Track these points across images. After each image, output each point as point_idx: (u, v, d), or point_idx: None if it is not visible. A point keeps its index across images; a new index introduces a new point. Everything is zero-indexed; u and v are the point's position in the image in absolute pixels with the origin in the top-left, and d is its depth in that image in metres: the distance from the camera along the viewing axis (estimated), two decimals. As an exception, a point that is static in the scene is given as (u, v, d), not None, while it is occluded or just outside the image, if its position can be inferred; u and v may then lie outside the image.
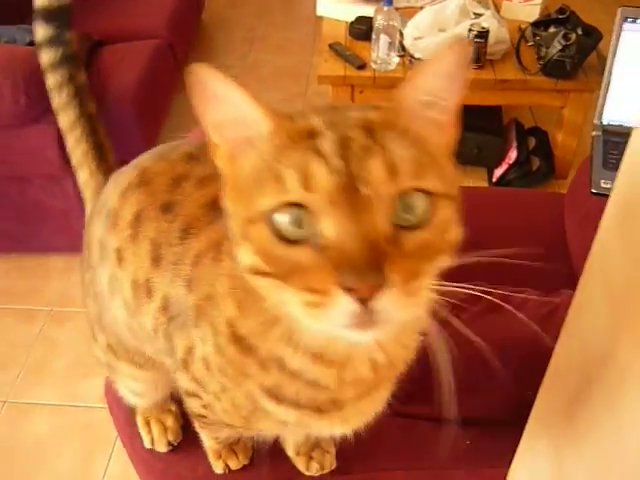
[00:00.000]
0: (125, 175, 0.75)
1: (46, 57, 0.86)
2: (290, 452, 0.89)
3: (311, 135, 0.46)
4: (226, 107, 0.48)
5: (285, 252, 0.45)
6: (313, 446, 0.86)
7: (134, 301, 0.72)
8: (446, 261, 0.47)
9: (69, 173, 1.88)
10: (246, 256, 0.47)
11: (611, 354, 0.47)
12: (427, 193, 0.46)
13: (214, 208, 0.61)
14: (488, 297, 0.89)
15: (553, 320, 0.80)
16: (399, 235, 0.45)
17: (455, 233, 0.48)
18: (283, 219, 0.45)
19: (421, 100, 0.48)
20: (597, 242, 0.49)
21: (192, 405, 0.75)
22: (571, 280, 1.32)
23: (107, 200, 0.76)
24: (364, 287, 0.42)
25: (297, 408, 0.60)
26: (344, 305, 0.42)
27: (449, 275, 1.32)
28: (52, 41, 0.85)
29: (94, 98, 0.91)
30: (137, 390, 0.91)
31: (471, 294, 0.90)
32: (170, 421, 0.93)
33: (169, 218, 0.67)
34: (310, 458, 0.87)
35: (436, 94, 0.48)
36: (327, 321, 0.44)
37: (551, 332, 0.80)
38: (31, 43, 1.98)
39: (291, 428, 0.68)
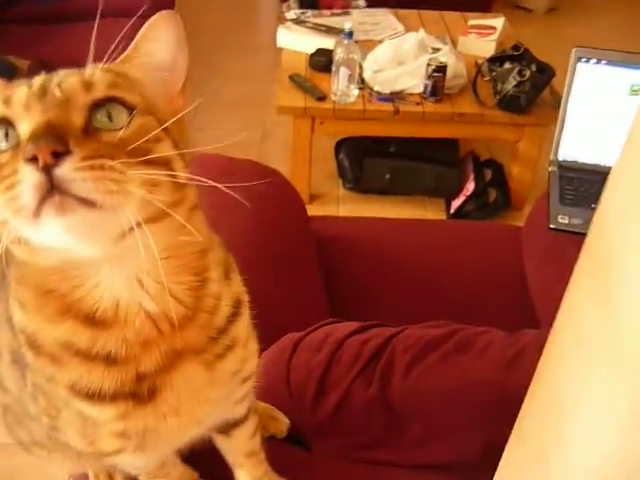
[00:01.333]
0: None
1: None
2: None
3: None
4: None
5: None
6: None
7: None
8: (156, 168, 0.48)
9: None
10: None
11: (583, 411, 0.46)
12: (124, 105, 0.50)
13: None
14: (455, 337, 0.90)
15: (519, 363, 0.80)
16: (94, 131, 0.47)
17: (164, 150, 0.50)
18: None
19: (143, 60, 0.55)
20: (569, 295, 0.49)
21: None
22: (530, 315, 1.35)
23: None
24: (43, 152, 0.42)
25: (112, 402, 0.57)
26: (27, 176, 0.42)
27: (414, 312, 1.32)
28: None
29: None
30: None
31: (440, 334, 0.90)
32: (119, 477, 0.89)
33: None
34: None
35: (155, 55, 0.56)
36: (18, 204, 0.43)
37: (517, 375, 0.80)
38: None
39: (141, 446, 0.63)
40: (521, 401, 0.58)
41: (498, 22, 2.65)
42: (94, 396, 0.56)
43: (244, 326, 0.65)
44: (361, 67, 2.28)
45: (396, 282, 1.38)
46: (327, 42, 2.46)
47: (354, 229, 1.57)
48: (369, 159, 2.46)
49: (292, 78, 2.31)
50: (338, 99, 2.21)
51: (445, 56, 2.27)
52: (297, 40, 2.53)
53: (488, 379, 0.80)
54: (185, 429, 0.63)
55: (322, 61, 2.37)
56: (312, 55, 2.42)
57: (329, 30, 2.55)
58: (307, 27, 2.58)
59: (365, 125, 2.27)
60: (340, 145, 2.59)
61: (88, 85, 0.49)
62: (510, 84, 2.16)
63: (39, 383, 0.60)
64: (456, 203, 2.41)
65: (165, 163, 0.49)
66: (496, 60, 2.34)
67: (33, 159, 0.42)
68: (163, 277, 0.52)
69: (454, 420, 0.80)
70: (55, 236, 0.45)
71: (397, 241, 1.50)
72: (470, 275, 1.42)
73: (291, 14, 2.73)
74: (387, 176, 2.43)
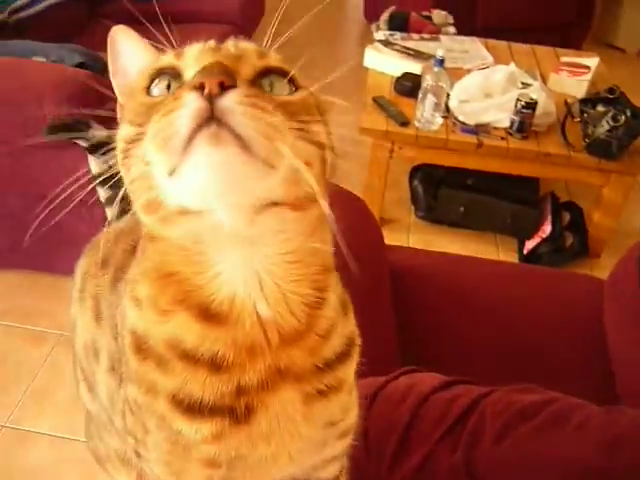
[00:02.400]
0: None
1: (108, 214, 0.93)
2: None
3: None
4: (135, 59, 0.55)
5: (153, 101, 0.48)
6: None
7: (89, 370, 0.69)
8: (307, 139, 0.47)
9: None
10: (121, 133, 0.50)
11: None
12: (291, 82, 0.50)
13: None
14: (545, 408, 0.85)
15: (622, 446, 0.74)
16: (259, 88, 0.47)
17: (318, 130, 0.49)
18: (157, 85, 0.49)
19: None
20: None
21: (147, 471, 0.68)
22: (606, 376, 1.27)
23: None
24: (211, 80, 0.42)
25: (209, 417, 0.54)
26: (189, 102, 0.42)
27: (485, 359, 1.26)
28: (109, 200, 0.92)
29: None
30: None
31: (533, 402, 0.85)
32: None
33: (105, 272, 0.67)
34: None
35: None
36: (171, 130, 0.42)
37: (620, 459, 0.74)
38: (79, 65, 1.97)
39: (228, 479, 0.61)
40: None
41: (592, 62, 2.56)
42: (193, 409, 0.54)
43: (352, 371, 0.61)
44: (447, 95, 2.23)
45: (469, 326, 1.33)
46: (414, 66, 2.43)
47: (429, 263, 1.52)
48: (445, 189, 2.40)
49: (376, 100, 2.29)
50: (421, 126, 2.17)
51: (535, 92, 2.20)
52: (384, 62, 2.50)
53: (586, 459, 0.74)
54: (274, 463, 0.60)
55: (408, 86, 2.34)
56: (398, 79, 2.38)
57: (417, 54, 2.51)
58: (395, 49, 2.55)
59: (446, 155, 2.21)
60: (415, 171, 2.55)
61: (262, 54, 0.50)
62: (602, 128, 2.07)
63: (134, 398, 0.58)
64: (530, 244, 2.33)
65: (318, 145, 0.48)
66: (588, 101, 2.26)
67: (199, 87, 0.41)
68: (283, 280, 0.51)
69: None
70: (200, 177, 0.42)
71: (473, 282, 1.45)
72: (547, 326, 1.36)
73: (380, 35, 2.71)
74: (461, 209, 2.37)
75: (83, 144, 0.91)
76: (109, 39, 0.55)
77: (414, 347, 1.26)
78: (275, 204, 0.45)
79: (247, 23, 3.07)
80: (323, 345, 0.56)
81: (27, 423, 1.73)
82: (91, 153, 0.91)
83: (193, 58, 0.47)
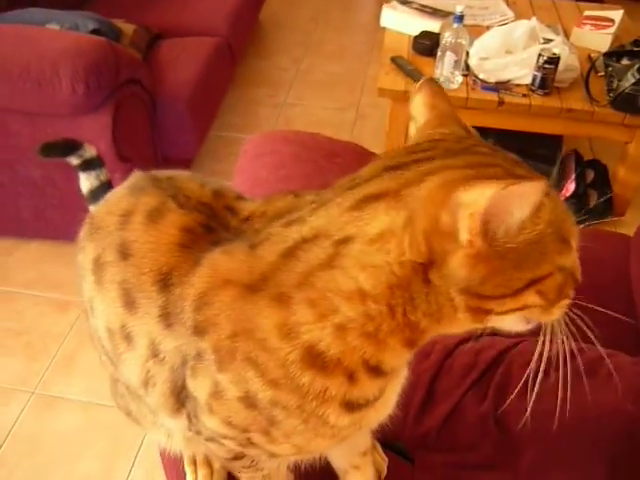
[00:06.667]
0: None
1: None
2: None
3: None
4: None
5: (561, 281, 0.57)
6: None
7: (112, 350, 0.69)
8: None
9: (119, 167, 1.85)
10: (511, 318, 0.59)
11: None
12: None
13: (187, 246, 0.63)
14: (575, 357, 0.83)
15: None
16: None
17: None
18: None
19: None
20: None
21: (221, 450, 0.70)
22: (635, 333, 1.25)
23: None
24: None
25: (366, 406, 0.60)
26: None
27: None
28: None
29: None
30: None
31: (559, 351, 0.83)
32: (218, 464, 0.87)
33: (131, 265, 0.65)
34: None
35: None
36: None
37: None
38: (94, 31, 1.95)
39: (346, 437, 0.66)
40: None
41: (616, 14, 2.48)
42: (359, 407, 0.60)
43: None
44: (467, 53, 2.18)
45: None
46: (432, 24, 2.38)
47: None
48: (465, 149, 2.36)
49: (394, 60, 2.24)
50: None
51: (558, 47, 2.14)
52: (401, 20, 2.45)
53: (617, 409, 0.73)
54: (380, 420, 0.68)
55: (426, 44, 2.29)
56: (416, 37, 2.34)
57: (435, 12, 2.46)
58: (412, 8, 2.49)
59: (466, 114, 2.17)
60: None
61: None
62: (628, 82, 2.02)
63: (275, 401, 0.59)
64: (554, 203, 2.29)
65: None
66: (613, 55, 2.20)
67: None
68: None
69: (576, 449, 0.74)
70: None
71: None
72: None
73: (396, -7, 2.64)
74: (483, 169, 2.33)
75: (75, 162, 0.93)
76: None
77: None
78: None
79: (236, 35, 2.75)
80: None
81: (56, 389, 1.76)
82: (82, 171, 0.94)
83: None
